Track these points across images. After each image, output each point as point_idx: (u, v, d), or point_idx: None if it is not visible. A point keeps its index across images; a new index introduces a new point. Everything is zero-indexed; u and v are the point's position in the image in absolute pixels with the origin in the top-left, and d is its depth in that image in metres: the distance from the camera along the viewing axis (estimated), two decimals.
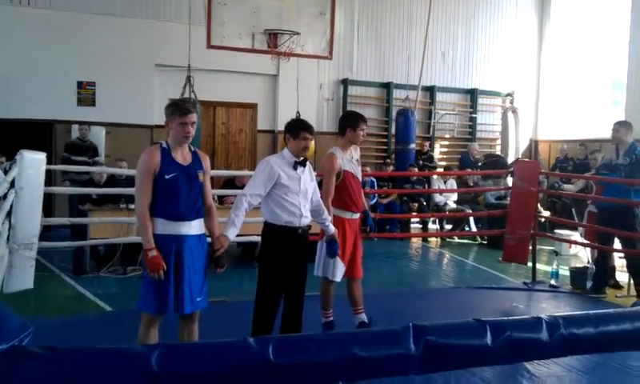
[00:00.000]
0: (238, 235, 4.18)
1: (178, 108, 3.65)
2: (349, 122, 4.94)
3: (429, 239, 10.68)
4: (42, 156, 5.56)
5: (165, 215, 3.61)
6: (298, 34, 8.83)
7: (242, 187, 8.06)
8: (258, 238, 4.52)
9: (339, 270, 4.83)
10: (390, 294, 6.69)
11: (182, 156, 3.70)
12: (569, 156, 12.34)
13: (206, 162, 3.86)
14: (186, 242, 3.64)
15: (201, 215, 3.78)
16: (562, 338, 1.58)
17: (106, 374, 1.22)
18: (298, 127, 4.31)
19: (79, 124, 9.89)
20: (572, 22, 13.68)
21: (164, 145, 3.68)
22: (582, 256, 8.71)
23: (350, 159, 4.90)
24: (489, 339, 1.54)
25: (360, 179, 5.02)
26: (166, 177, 3.60)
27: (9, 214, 5.01)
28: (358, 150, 5.12)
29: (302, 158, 4.27)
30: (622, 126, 6.75)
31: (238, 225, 4.03)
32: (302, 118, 6.64)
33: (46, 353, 1.20)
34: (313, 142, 4.44)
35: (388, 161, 11.85)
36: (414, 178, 10.86)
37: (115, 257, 7.31)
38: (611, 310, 1.77)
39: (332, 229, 4.58)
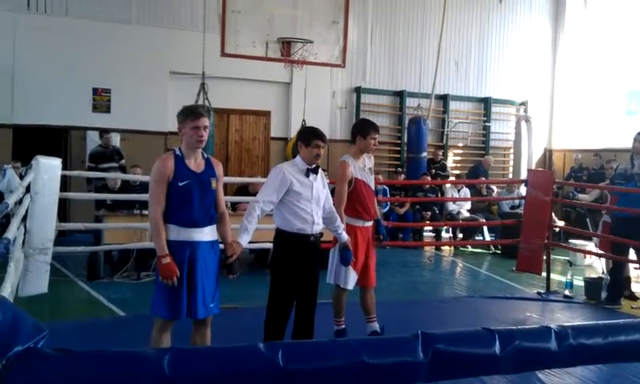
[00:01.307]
0: (250, 242, 4.20)
1: (191, 111, 3.69)
2: (359, 130, 4.95)
3: (442, 248, 10.64)
4: (57, 162, 5.62)
5: (178, 222, 3.65)
6: (311, 42, 8.87)
7: (254, 194, 8.12)
8: (271, 245, 4.55)
9: (351, 278, 4.83)
10: (402, 303, 6.67)
11: (196, 163, 3.73)
12: (583, 165, 12.26)
13: (219, 168, 3.89)
14: (199, 249, 3.68)
15: (214, 222, 3.80)
16: (571, 347, 1.57)
17: (118, 376, 1.24)
18: (310, 135, 4.32)
19: (100, 131, 10.02)
20: (586, 31, 13.61)
21: (177, 152, 3.71)
22: (597, 266, 8.63)
23: (362, 167, 4.91)
24: (497, 348, 1.54)
25: (373, 188, 5.02)
26: (180, 184, 3.63)
27: (24, 219, 5.07)
28: (372, 159, 5.12)
29: (314, 166, 4.29)
30: None
31: (250, 231, 4.05)
32: (308, 125, 6.66)
33: (61, 355, 1.22)
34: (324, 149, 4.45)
35: (400, 170, 11.84)
36: (427, 186, 10.84)
37: (129, 262, 7.36)
38: (621, 321, 1.76)
39: (345, 236, 4.58)
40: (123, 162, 9.66)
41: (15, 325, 1.20)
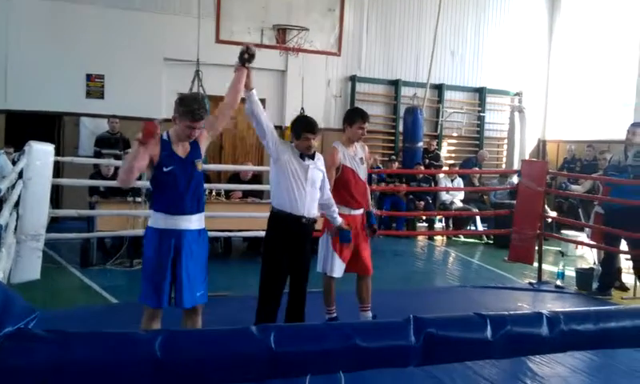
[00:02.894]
0: (243, 229, 4.22)
1: (192, 113, 3.58)
2: (347, 118, 4.97)
3: (435, 238, 10.67)
4: (50, 147, 5.60)
5: (165, 210, 3.62)
6: (306, 29, 8.84)
7: (246, 182, 8.17)
8: (264, 233, 4.56)
9: (337, 266, 4.83)
10: (395, 292, 6.69)
11: (183, 148, 3.69)
12: (576, 156, 12.30)
13: (203, 134, 3.76)
14: (185, 237, 3.63)
15: (202, 209, 3.77)
16: (562, 333, 1.59)
17: (110, 357, 1.24)
18: (299, 127, 4.35)
19: (108, 117, 10.01)
20: (583, 22, 13.61)
21: (165, 136, 3.66)
22: (589, 257, 8.68)
23: (352, 156, 4.90)
24: (489, 333, 1.55)
25: (363, 178, 4.98)
26: (165, 170, 3.60)
27: (16, 205, 5.05)
28: (366, 149, 5.12)
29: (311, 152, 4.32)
30: (637, 128, 6.73)
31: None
32: (306, 114, 6.64)
33: (52, 336, 1.22)
34: (318, 139, 4.45)
35: (393, 157, 11.84)
36: (420, 176, 10.85)
37: (122, 249, 7.34)
38: (612, 307, 1.77)
39: (339, 220, 4.64)
40: (129, 151, 9.55)
41: (5, 306, 1.20)
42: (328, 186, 4.54)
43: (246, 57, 3.94)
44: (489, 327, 1.55)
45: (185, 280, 3.63)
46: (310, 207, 4.32)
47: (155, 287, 3.60)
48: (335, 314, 4.99)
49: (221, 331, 1.39)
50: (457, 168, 12.51)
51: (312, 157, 4.34)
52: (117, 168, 7.84)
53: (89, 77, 10.64)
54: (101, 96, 10.71)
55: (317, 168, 4.37)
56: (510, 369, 4.42)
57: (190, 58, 9.58)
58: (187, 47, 9.64)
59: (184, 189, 3.62)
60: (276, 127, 12.18)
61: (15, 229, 5.13)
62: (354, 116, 4.94)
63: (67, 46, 10.29)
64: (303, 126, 4.33)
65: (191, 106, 3.60)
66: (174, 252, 3.61)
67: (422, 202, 10.86)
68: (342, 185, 4.81)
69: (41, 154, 5.37)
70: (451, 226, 11.25)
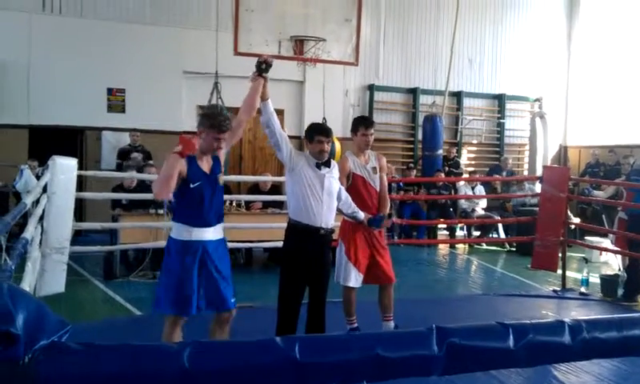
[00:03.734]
0: (264, 240, 4.25)
1: (218, 125, 3.69)
2: (351, 127, 5.00)
3: (456, 246, 10.61)
4: (73, 162, 5.70)
5: (190, 222, 3.71)
6: (324, 40, 8.87)
7: (265, 192, 8.21)
8: (280, 244, 4.58)
9: (353, 276, 4.81)
10: (417, 301, 6.67)
11: (207, 162, 3.78)
12: (600, 161, 12.16)
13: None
14: (210, 247, 3.76)
15: (222, 220, 3.89)
16: (585, 341, 1.58)
17: (139, 369, 1.27)
18: (312, 131, 4.38)
19: (130, 131, 10.21)
20: (601, 26, 13.49)
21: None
22: (613, 263, 8.57)
23: (363, 165, 4.90)
24: (511, 342, 1.55)
25: (375, 187, 4.94)
26: (192, 186, 3.67)
27: (41, 219, 5.14)
28: (382, 159, 5.08)
29: (325, 160, 4.32)
30: None
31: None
32: (326, 123, 6.68)
33: (84, 349, 1.26)
34: (338, 144, 4.46)
35: (412, 165, 11.81)
36: (440, 183, 10.82)
37: (145, 261, 7.42)
38: (636, 314, 1.76)
39: (361, 214, 4.67)
40: (151, 162, 9.64)
41: (40, 319, 1.24)
42: (343, 189, 4.56)
43: (264, 67, 3.99)
44: (511, 336, 1.55)
45: (221, 284, 3.76)
46: (327, 217, 4.31)
47: (181, 296, 3.67)
48: (356, 324, 4.97)
49: (247, 343, 1.42)
50: (477, 175, 12.44)
51: (327, 165, 4.34)
52: (139, 181, 7.96)
53: (110, 91, 10.80)
54: (122, 110, 10.86)
55: (332, 176, 4.37)
56: (534, 377, 4.37)
57: (209, 71, 9.68)
58: (206, 60, 9.75)
59: (208, 203, 3.73)
60: (295, 138, 12.33)
61: (40, 242, 5.21)
62: (357, 124, 4.96)
63: (88, 62, 10.46)
64: (316, 130, 4.37)
65: (217, 119, 3.72)
66: (199, 262, 3.70)
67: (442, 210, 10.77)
68: (353, 193, 4.80)
69: (64, 168, 5.46)
70: (473, 233, 11.18)
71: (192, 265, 3.67)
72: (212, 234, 3.77)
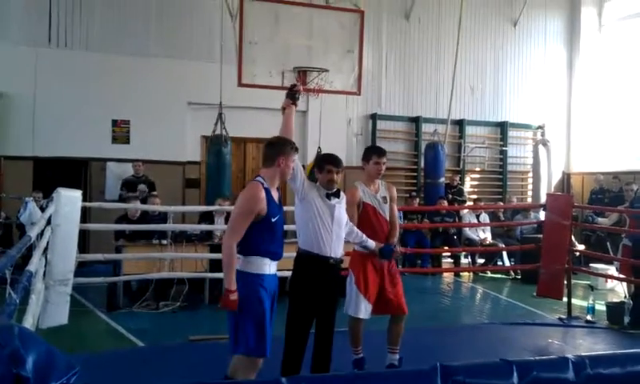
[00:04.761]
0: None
1: (294, 147, 3.77)
2: (363, 156, 5.04)
3: (461, 274, 10.55)
4: (78, 194, 5.72)
5: (269, 255, 3.63)
6: (326, 71, 8.92)
7: None
8: (290, 273, 4.55)
9: (362, 307, 4.76)
10: (422, 330, 6.59)
11: (277, 194, 3.75)
12: (604, 187, 12.14)
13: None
14: (276, 282, 3.74)
15: None
16: (589, 377, 1.57)
17: None
18: (322, 160, 4.46)
19: (132, 162, 10.27)
20: (602, 54, 13.60)
21: (265, 183, 3.65)
22: (619, 290, 8.51)
23: (373, 194, 4.92)
24: (515, 379, 1.54)
25: (385, 216, 4.94)
26: (273, 220, 3.60)
27: (45, 251, 5.14)
28: (391, 189, 5.08)
29: (334, 190, 4.34)
30: None
31: None
32: (325, 152, 6.71)
33: None
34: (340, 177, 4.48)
35: (414, 194, 11.81)
36: (444, 211, 10.80)
37: (148, 292, 7.39)
38: (639, 351, 1.74)
39: (372, 243, 4.66)
40: (155, 193, 9.62)
41: (49, 361, 1.23)
42: (348, 218, 4.55)
43: (297, 96, 4.03)
44: (515, 373, 1.54)
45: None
46: (336, 247, 4.32)
47: (263, 335, 3.51)
48: (362, 355, 4.93)
49: (253, 383, 1.41)
50: (481, 201, 12.42)
51: (337, 195, 4.36)
52: (143, 211, 7.98)
53: (115, 122, 10.88)
54: (127, 141, 10.92)
55: (342, 207, 4.40)
56: None
57: (213, 102, 9.76)
58: (210, 91, 9.83)
59: (281, 234, 3.70)
60: None
61: (44, 274, 5.20)
62: (369, 152, 5.01)
63: (93, 94, 10.55)
64: (326, 160, 4.44)
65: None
66: (271, 298, 3.64)
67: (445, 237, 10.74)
68: (364, 223, 4.80)
69: (69, 200, 5.47)
70: (478, 261, 11.12)
71: (270, 300, 3.59)
72: (276, 267, 3.72)
